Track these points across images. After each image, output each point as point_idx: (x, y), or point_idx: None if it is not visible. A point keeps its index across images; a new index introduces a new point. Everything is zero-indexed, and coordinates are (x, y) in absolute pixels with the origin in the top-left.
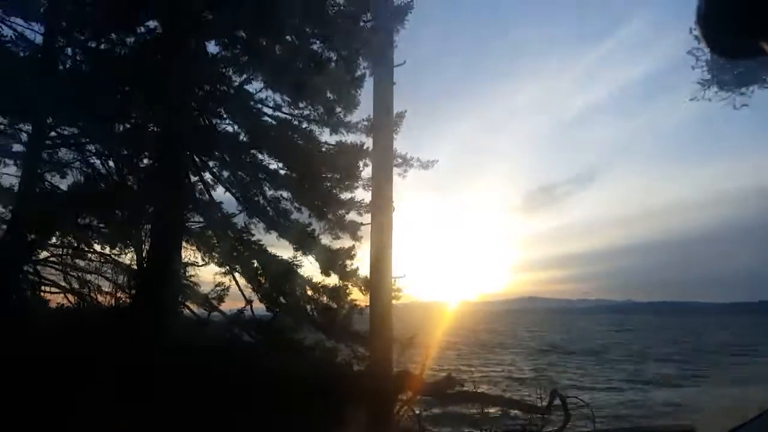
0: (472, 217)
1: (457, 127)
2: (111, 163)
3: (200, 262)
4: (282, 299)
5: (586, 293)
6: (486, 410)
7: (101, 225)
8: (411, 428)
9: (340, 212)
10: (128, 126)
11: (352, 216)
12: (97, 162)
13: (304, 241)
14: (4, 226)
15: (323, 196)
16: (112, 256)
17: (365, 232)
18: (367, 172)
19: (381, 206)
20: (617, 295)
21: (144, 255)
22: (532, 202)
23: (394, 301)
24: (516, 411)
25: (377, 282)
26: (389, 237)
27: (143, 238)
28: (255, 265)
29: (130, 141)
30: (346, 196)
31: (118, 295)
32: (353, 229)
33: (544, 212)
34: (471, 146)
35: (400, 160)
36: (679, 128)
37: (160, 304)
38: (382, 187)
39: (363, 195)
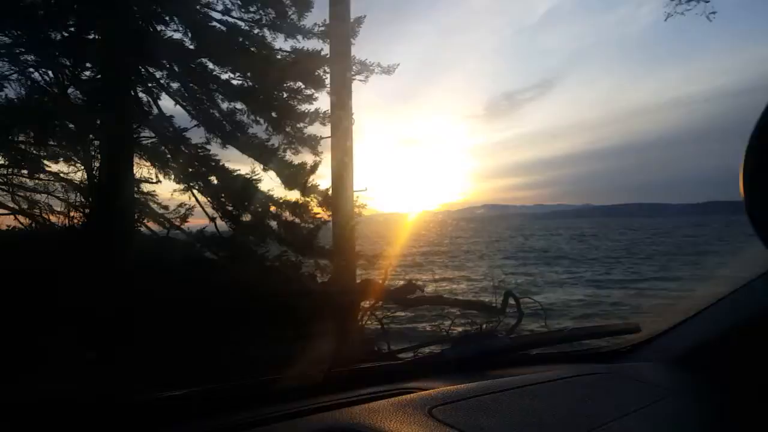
0: (433, 126)
1: (415, 31)
2: (50, 74)
3: (154, 179)
4: (244, 216)
5: (544, 199)
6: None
7: (47, 141)
8: (374, 332)
9: (299, 125)
10: (66, 34)
11: (313, 129)
12: (36, 74)
13: (263, 156)
14: None
15: (280, 108)
16: (62, 174)
17: (326, 146)
18: (327, 81)
19: (340, 118)
20: (577, 200)
21: (94, 172)
22: (494, 109)
23: (356, 215)
24: (472, 311)
25: (338, 195)
26: (350, 149)
27: (93, 154)
28: (214, 181)
29: (70, 50)
30: (305, 107)
31: (72, 214)
32: (312, 144)
33: (506, 119)
34: (430, 53)
35: (359, 67)
36: (642, 32)
37: (115, 222)
38: (341, 97)
39: (324, 105)
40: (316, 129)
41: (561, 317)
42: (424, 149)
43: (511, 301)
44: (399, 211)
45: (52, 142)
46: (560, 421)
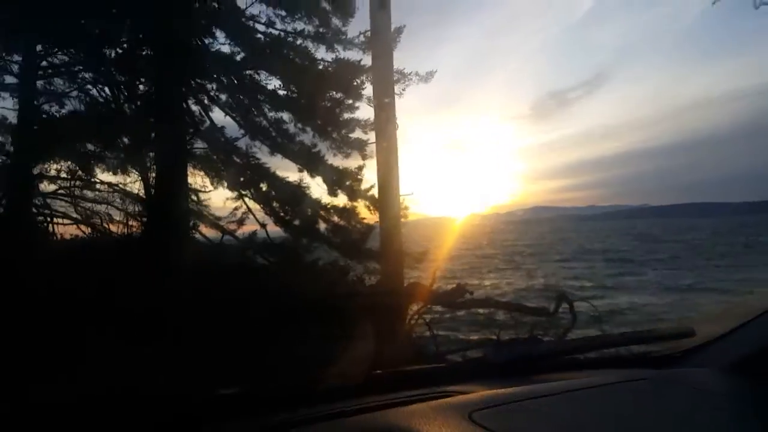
0: (479, 128)
1: (457, 34)
2: (107, 90)
3: (208, 188)
4: (293, 221)
5: (596, 200)
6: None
7: (105, 154)
8: (423, 335)
9: (343, 131)
10: (120, 51)
11: (357, 134)
12: (93, 90)
13: (310, 162)
14: (8, 160)
15: (324, 116)
16: (120, 185)
17: (372, 151)
18: (369, 89)
19: (384, 125)
20: (629, 200)
21: (151, 182)
22: (540, 109)
23: (402, 219)
24: (524, 315)
25: (385, 200)
26: (395, 155)
27: (149, 165)
28: (264, 188)
29: (124, 67)
30: (348, 115)
31: (130, 223)
32: (360, 147)
33: (554, 119)
34: (473, 55)
35: (397, 76)
36: (691, 24)
37: (171, 230)
38: (383, 105)
39: (367, 113)
40: (361, 133)
41: (625, 324)
42: (471, 152)
43: (566, 305)
44: (447, 215)
45: (109, 155)
46: (606, 428)
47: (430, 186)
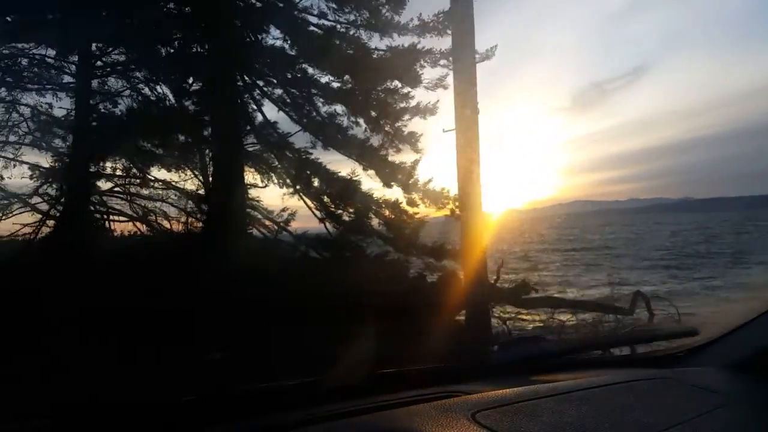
0: (517, 120)
1: (495, 21)
2: (159, 89)
3: (260, 184)
4: (346, 216)
5: (639, 193)
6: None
7: (161, 151)
8: (501, 333)
9: (398, 123)
10: (172, 50)
11: (412, 126)
12: (147, 89)
13: (363, 156)
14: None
15: (379, 107)
16: (173, 182)
17: (426, 142)
18: (426, 74)
19: (465, 113)
20: (674, 192)
21: (209, 179)
22: (581, 100)
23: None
24: (599, 313)
25: (467, 192)
26: (476, 145)
27: (207, 162)
28: (317, 183)
29: (177, 64)
30: (403, 104)
31: (183, 220)
32: (413, 141)
33: (595, 111)
34: (510, 46)
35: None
36: (742, 10)
37: (229, 227)
38: (464, 90)
39: (424, 98)
40: (416, 125)
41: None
42: (508, 145)
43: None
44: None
45: (165, 153)
46: (611, 428)
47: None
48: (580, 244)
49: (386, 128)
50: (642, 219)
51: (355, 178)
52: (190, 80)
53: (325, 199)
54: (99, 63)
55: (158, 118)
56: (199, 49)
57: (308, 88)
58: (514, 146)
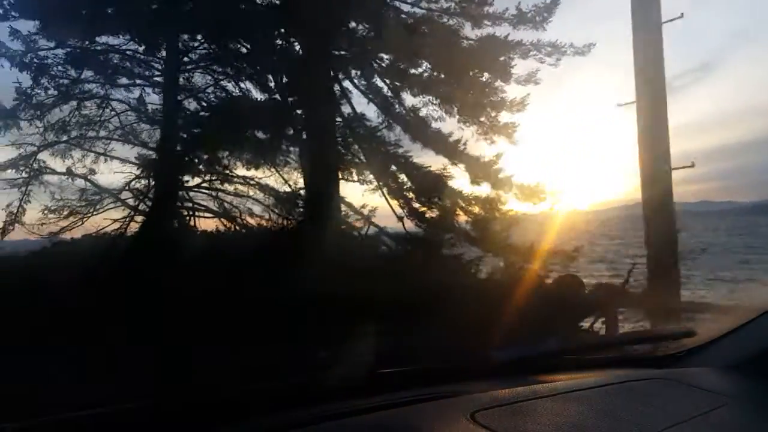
0: (578, 118)
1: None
2: (244, 84)
3: (350, 179)
4: (432, 213)
5: (710, 195)
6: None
7: (249, 147)
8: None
9: (493, 114)
10: (259, 44)
11: (505, 117)
12: (232, 84)
13: (452, 150)
14: (156, 155)
15: (473, 98)
16: (256, 178)
17: (521, 134)
18: (519, 68)
19: (649, 82)
20: (749, 195)
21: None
22: None
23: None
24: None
25: (653, 180)
26: (664, 120)
27: (297, 157)
28: (404, 179)
29: (266, 59)
30: (495, 97)
31: (268, 217)
32: (509, 132)
33: None
34: (569, 35)
35: (549, 49)
36: None
37: (325, 222)
38: (649, 55)
39: (513, 92)
40: (509, 116)
41: None
42: (569, 143)
43: None
44: (542, 211)
45: (251, 148)
46: (610, 428)
47: (522, 181)
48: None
49: (481, 119)
50: (716, 222)
51: (445, 173)
52: (279, 75)
53: (410, 195)
54: (186, 59)
55: (247, 113)
56: (287, 43)
57: (398, 79)
58: (576, 145)
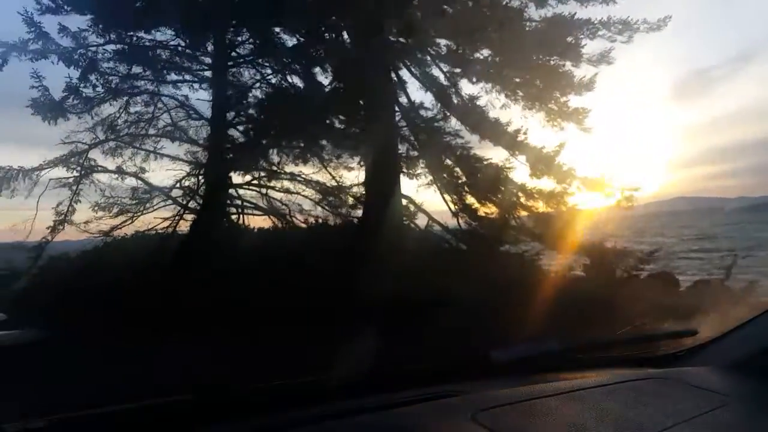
0: (612, 111)
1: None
2: (292, 79)
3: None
4: (491, 208)
5: (750, 190)
6: None
7: (299, 144)
8: None
9: (562, 99)
10: (308, 34)
11: (575, 101)
12: (282, 80)
13: (512, 140)
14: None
15: (539, 82)
16: (302, 176)
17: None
18: (588, 48)
19: None
20: None
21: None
22: (682, 89)
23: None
24: None
25: None
26: None
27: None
28: (459, 173)
29: (315, 50)
30: (566, 80)
31: (317, 213)
32: (580, 118)
33: (697, 100)
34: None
35: (619, 27)
36: None
37: (387, 218)
38: None
39: (579, 73)
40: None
41: None
42: (603, 137)
43: None
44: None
45: (303, 144)
46: (611, 427)
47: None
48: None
49: (550, 104)
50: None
51: (507, 166)
52: (332, 66)
53: (467, 189)
54: (234, 53)
55: (301, 107)
56: (337, 32)
57: (457, 65)
58: (610, 139)
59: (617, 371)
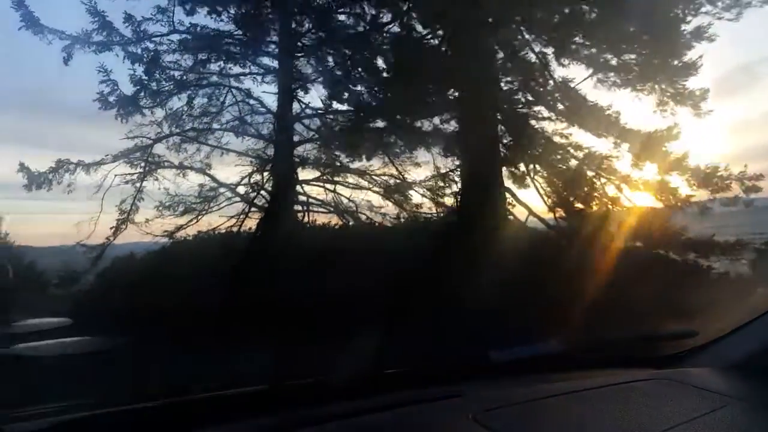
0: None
1: None
2: (359, 72)
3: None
4: (587, 205)
5: None
6: None
7: (370, 137)
8: None
9: (678, 80)
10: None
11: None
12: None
13: (616, 125)
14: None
15: (649, 62)
16: (369, 173)
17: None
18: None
19: None
20: None
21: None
22: (724, 85)
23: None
24: None
25: None
26: None
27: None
28: (554, 162)
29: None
30: (679, 59)
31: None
32: (697, 99)
33: (743, 96)
34: None
35: (727, 2)
36: None
37: (486, 213)
38: None
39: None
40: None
41: None
42: (715, 123)
43: None
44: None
45: (377, 137)
46: (611, 428)
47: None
48: None
49: (662, 86)
50: None
51: (612, 155)
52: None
53: (562, 183)
54: (299, 44)
55: (372, 103)
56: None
57: (553, 45)
58: (722, 125)
59: (618, 372)
